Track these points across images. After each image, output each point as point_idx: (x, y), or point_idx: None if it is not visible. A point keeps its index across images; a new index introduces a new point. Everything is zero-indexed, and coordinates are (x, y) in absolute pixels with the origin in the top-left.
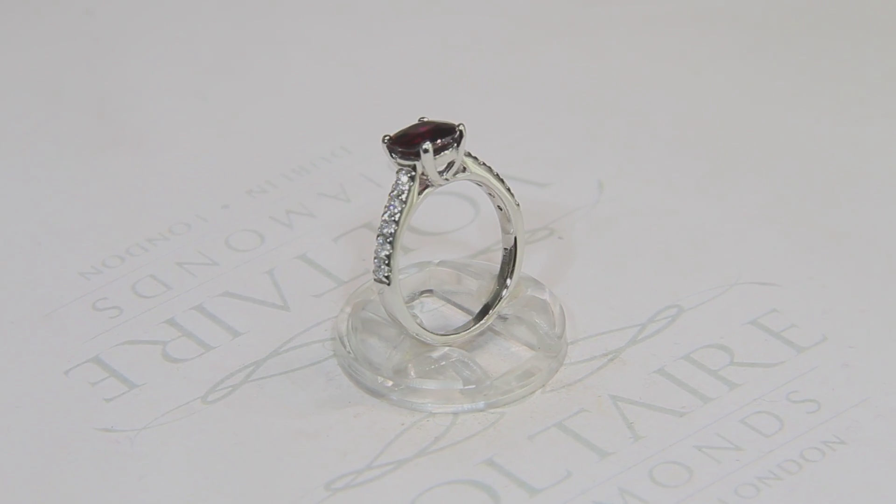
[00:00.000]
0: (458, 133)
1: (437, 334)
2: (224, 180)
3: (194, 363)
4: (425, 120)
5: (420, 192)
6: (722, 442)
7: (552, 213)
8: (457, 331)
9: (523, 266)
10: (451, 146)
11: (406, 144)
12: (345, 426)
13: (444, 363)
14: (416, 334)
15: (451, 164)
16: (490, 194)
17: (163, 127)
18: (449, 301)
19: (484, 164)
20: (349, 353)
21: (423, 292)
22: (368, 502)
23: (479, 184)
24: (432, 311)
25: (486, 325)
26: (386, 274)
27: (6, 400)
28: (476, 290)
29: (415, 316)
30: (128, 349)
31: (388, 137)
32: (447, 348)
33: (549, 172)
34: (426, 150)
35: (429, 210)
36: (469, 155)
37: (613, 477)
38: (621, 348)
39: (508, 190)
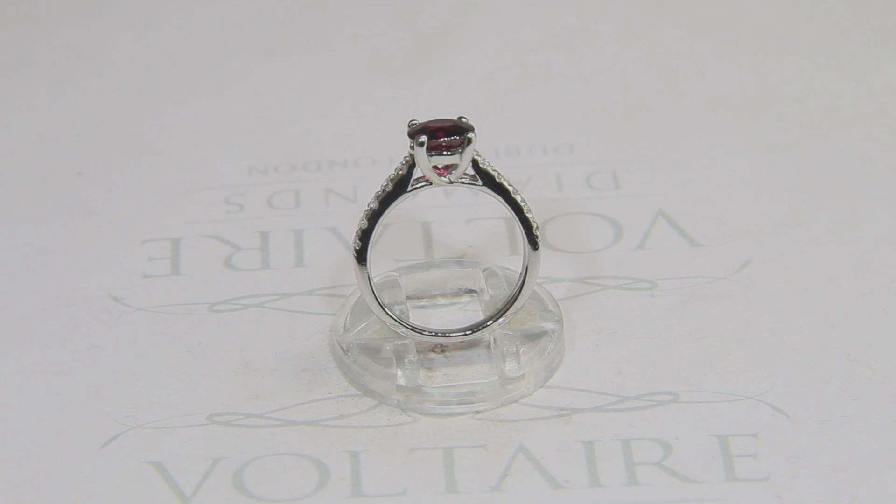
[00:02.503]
0: (464, 139)
1: (408, 327)
2: None
3: (241, 275)
4: (462, 119)
5: (414, 185)
6: None
7: (675, 271)
8: (436, 333)
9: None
10: (452, 149)
11: (415, 134)
12: (283, 375)
13: (398, 355)
14: (384, 320)
15: (454, 167)
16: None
17: (456, 67)
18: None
19: (507, 182)
20: (339, 316)
21: (468, 291)
22: (223, 444)
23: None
24: (468, 311)
25: (464, 340)
26: (357, 247)
27: (74, 247)
28: (484, 304)
29: (401, 302)
30: (205, 242)
31: (413, 122)
32: (411, 342)
33: (714, 235)
34: (420, 144)
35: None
36: (494, 171)
37: None
38: (580, 410)
39: (531, 215)
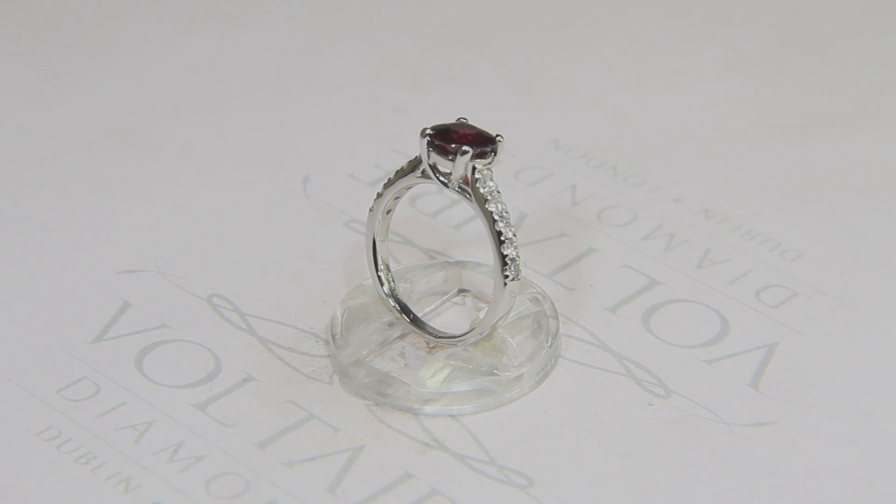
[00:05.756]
0: (462, 150)
1: (385, 292)
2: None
3: (401, 213)
4: (498, 137)
5: (416, 173)
6: None
7: (704, 397)
8: (421, 325)
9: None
10: (447, 154)
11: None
12: (303, 298)
13: (358, 324)
14: (372, 277)
15: (449, 174)
16: None
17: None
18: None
19: (497, 211)
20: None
21: None
22: (182, 318)
23: None
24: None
25: (432, 341)
26: (371, 206)
27: (342, 130)
28: (471, 322)
29: (409, 280)
30: (332, 180)
31: (462, 119)
32: (378, 316)
33: (782, 389)
34: (423, 136)
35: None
36: (491, 194)
37: (254, 467)
38: (447, 450)
39: (509, 251)
